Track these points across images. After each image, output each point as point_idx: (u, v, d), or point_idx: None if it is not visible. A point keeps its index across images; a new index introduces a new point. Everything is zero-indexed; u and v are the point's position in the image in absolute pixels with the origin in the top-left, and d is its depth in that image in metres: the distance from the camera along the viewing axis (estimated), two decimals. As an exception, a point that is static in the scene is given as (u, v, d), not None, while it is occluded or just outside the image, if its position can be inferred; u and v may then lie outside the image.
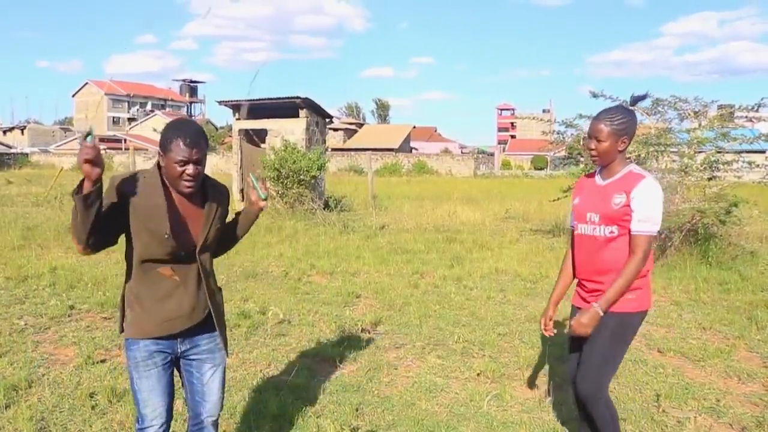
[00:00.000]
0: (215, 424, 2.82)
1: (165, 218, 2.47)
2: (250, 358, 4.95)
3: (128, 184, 2.46)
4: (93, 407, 3.94)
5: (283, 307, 6.29)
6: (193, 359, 2.72)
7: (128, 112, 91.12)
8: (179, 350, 2.67)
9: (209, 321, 2.71)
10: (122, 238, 2.52)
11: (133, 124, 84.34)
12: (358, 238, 11.45)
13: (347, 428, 3.65)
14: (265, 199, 2.81)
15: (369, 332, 5.73)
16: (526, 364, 4.90)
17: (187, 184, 2.47)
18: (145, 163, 35.46)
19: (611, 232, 2.96)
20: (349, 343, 5.33)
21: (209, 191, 2.62)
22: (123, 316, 2.60)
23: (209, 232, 2.60)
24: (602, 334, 2.97)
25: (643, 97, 3.11)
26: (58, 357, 4.92)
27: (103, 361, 4.79)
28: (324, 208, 15.14)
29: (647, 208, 2.87)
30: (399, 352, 5.21)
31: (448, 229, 13.00)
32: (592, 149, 2.98)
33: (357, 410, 4.03)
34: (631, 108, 3.04)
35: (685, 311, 6.67)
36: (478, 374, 4.72)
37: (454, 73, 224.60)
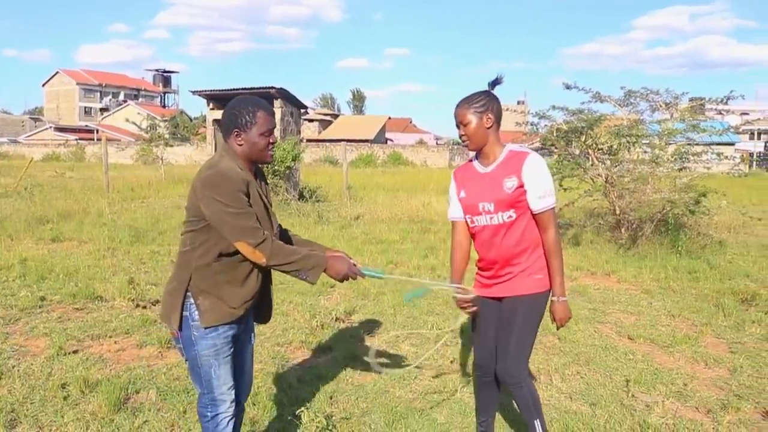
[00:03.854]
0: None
1: (269, 209, 2.66)
2: (225, 348, 4.94)
3: (244, 185, 2.49)
4: (65, 398, 3.91)
5: (257, 297, 6.27)
6: (239, 341, 2.73)
7: (100, 102, 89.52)
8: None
9: None
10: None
11: (105, 114, 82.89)
12: (333, 229, 11.46)
13: (321, 416, 3.65)
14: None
15: (343, 321, 5.75)
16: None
17: (272, 152, 2.64)
18: (117, 153, 34.50)
19: (510, 216, 2.91)
20: (323, 333, 5.34)
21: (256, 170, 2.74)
22: (183, 310, 2.54)
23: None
24: (517, 319, 2.96)
25: (498, 81, 3.04)
26: (29, 348, 4.86)
27: (75, 352, 4.74)
28: (299, 199, 15.11)
29: (542, 183, 2.87)
30: (373, 341, 5.24)
31: (422, 220, 13.04)
32: (463, 135, 2.98)
33: (331, 398, 4.05)
34: (490, 92, 3.01)
35: (655, 299, 6.80)
36: (451, 361, 4.77)
37: (429, 64, 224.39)
